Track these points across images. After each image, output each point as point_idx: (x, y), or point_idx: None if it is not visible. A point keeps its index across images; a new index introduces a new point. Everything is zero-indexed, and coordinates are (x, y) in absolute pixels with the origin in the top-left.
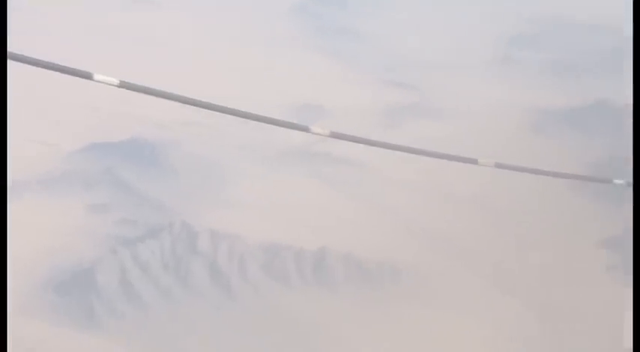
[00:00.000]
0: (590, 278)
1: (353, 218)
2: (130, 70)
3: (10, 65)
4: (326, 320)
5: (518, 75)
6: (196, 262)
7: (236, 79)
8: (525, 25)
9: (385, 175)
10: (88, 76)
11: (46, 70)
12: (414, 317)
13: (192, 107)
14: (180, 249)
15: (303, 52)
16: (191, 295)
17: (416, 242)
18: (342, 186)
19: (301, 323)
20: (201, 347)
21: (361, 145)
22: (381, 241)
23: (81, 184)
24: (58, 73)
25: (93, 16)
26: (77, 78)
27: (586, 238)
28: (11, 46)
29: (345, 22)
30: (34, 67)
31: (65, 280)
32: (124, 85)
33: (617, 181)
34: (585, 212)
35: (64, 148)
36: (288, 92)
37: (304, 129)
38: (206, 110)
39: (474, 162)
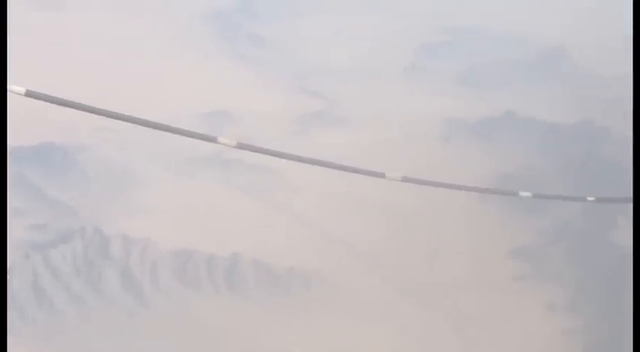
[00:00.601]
0: (498, 288)
1: (264, 224)
2: (38, 76)
3: None
4: (237, 325)
5: (428, 84)
6: (108, 267)
7: (145, 85)
8: (436, 34)
9: (296, 182)
10: None
11: None
12: (323, 324)
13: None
14: (92, 254)
15: (213, 59)
16: (103, 300)
17: (327, 249)
18: (254, 193)
19: (212, 329)
20: None
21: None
22: (292, 248)
23: None
24: None
25: None
26: None
27: (495, 248)
28: None
29: (256, 29)
30: None
31: None
32: (30, 95)
33: (523, 194)
34: (494, 222)
35: None
36: (197, 98)
37: (212, 139)
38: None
39: (382, 176)
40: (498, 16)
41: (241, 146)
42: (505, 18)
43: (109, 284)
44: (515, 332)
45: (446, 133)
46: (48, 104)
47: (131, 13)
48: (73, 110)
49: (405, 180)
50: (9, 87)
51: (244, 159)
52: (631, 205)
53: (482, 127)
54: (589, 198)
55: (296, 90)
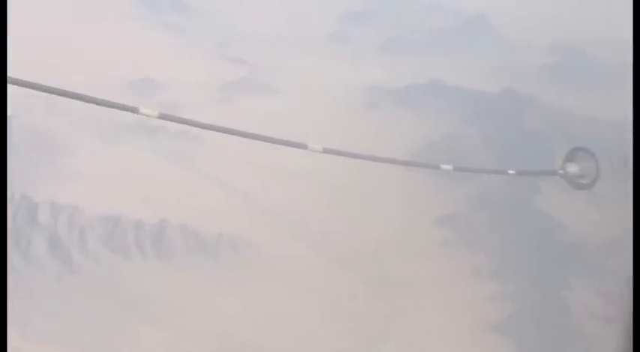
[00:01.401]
0: (424, 255)
1: (191, 191)
2: None
3: None
4: (165, 291)
5: (351, 52)
6: (36, 234)
7: (68, 54)
8: (360, 1)
9: (223, 149)
10: None
11: None
12: (251, 289)
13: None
14: (20, 221)
15: (137, 26)
16: (31, 267)
17: (253, 215)
18: (181, 160)
19: (140, 295)
20: (41, 319)
21: (199, 120)
22: (219, 214)
23: None
24: None
25: None
26: None
27: (421, 216)
28: None
29: None
30: None
31: None
32: None
33: (445, 167)
34: (420, 190)
35: None
36: (121, 67)
37: (133, 110)
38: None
39: (304, 147)
40: None
41: (163, 116)
42: None
43: (37, 250)
44: (441, 297)
45: (371, 101)
46: None
47: None
48: None
49: (327, 151)
50: None
51: (169, 127)
52: (552, 177)
53: (406, 95)
54: (510, 172)
55: (219, 58)
